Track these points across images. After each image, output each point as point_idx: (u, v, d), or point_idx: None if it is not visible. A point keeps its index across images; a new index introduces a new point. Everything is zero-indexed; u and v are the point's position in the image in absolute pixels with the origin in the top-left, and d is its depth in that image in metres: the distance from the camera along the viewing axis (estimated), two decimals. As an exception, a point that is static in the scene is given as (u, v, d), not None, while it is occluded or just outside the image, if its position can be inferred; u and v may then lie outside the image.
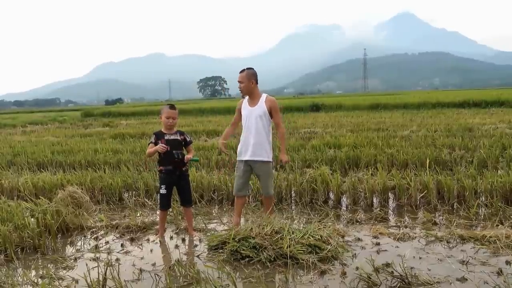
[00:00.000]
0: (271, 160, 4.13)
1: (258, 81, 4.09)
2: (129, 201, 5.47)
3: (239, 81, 4.04)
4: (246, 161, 4.07)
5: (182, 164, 4.02)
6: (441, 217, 4.40)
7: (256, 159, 4.02)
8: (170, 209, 4.92)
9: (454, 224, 4.09)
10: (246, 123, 4.06)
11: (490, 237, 3.58)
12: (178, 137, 4.04)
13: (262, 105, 4.02)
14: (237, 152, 4.21)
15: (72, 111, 44.30)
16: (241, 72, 4.08)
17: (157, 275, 3.11)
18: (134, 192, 5.69)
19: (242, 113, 4.14)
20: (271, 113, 4.04)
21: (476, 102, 21.13)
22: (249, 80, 4.01)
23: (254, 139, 3.99)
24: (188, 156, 4.04)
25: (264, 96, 4.10)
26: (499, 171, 5.64)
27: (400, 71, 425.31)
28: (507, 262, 3.18)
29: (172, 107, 4.04)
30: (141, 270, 3.29)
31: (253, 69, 4.09)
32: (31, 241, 3.85)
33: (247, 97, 4.14)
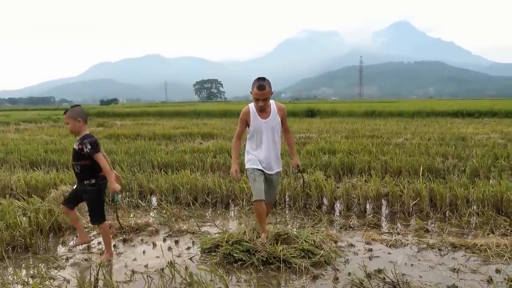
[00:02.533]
0: None
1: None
2: (122, 202, 5.44)
3: (264, 99, 3.47)
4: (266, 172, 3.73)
5: (82, 178, 3.48)
6: (433, 225, 4.44)
7: (277, 170, 3.79)
8: (164, 211, 4.92)
9: (446, 232, 4.12)
10: (261, 136, 3.64)
11: (481, 245, 3.62)
12: (76, 146, 3.42)
13: (275, 115, 3.66)
14: (253, 162, 3.68)
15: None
16: (261, 88, 3.43)
17: (150, 277, 3.10)
18: (127, 193, 5.67)
19: (251, 125, 3.63)
20: (282, 121, 3.76)
21: (470, 111, 21.32)
22: (271, 93, 3.57)
23: (275, 153, 3.72)
24: (113, 188, 3.39)
25: (273, 104, 3.70)
26: (491, 181, 5.70)
27: (396, 79, 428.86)
28: (497, 271, 3.21)
29: (64, 112, 3.47)
30: (133, 272, 3.27)
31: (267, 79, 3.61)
32: (23, 240, 3.83)
33: (253, 105, 3.63)
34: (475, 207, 4.78)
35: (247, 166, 3.71)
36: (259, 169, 3.65)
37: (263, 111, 3.63)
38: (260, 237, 3.61)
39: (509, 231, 4.05)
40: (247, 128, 3.71)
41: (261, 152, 3.67)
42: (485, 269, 3.24)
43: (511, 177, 5.98)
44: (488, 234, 4.03)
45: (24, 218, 4.15)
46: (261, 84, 3.46)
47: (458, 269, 3.24)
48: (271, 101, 3.68)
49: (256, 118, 3.62)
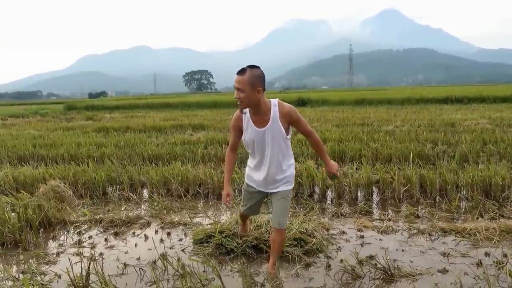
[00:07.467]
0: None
1: None
2: (113, 195, 5.39)
3: (237, 88, 2.59)
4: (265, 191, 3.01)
5: None
6: (423, 210, 4.48)
7: (283, 189, 2.92)
8: (155, 203, 4.89)
9: (436, 217, 4.17)
10: (255, 150, 2.83)
11: (470, 229, 3.67)
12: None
13: (276, 123, 2.70)
14: (250, 179, 3.04)
15: (55, 104, 43.38)
16: (240, 73, 2.59)
17: (142, 269, 3.09)
18: (118, 186, 5.62)
19: (244, 134, 2.83)
20: (294, 126, 2.84)
21: (459, 98, 21.55)
22: (253, 87, 2.57)
23: (278, 170, 2.85)
24: None
25: (275, 105, 2.72)
26: (479, 166, 5.76)
27: (386, 67, 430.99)
28: (486, 254, 3.26)
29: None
30: (125, 265, 3.25)
31: (258, 68, 2.62)
32: (12, 236, 3.77)
33: (246, 110, 2.77)
34: (464, 192, 4.84)
35: (245, 179, 3.15)
36: (252, 187, 3.03)
37: (252, 109, 2.71)
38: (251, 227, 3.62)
39: (497, 215, 4.12)
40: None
41: (258, 171, 2.91)
42: (475, 253, 3.29)
43: (499, 161, 6.06)
44: (477, 218, 4.08)
45: (13, 213, 4.09)
46: (242, 68, 2.61)
47: (448, 253, 3.29)
48: (274, 103, 2.72)
49: (250, 126, 2.75)
